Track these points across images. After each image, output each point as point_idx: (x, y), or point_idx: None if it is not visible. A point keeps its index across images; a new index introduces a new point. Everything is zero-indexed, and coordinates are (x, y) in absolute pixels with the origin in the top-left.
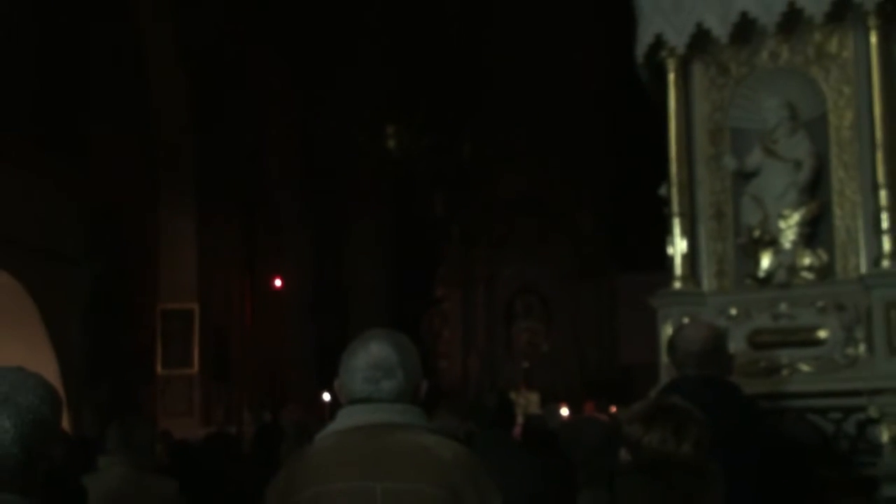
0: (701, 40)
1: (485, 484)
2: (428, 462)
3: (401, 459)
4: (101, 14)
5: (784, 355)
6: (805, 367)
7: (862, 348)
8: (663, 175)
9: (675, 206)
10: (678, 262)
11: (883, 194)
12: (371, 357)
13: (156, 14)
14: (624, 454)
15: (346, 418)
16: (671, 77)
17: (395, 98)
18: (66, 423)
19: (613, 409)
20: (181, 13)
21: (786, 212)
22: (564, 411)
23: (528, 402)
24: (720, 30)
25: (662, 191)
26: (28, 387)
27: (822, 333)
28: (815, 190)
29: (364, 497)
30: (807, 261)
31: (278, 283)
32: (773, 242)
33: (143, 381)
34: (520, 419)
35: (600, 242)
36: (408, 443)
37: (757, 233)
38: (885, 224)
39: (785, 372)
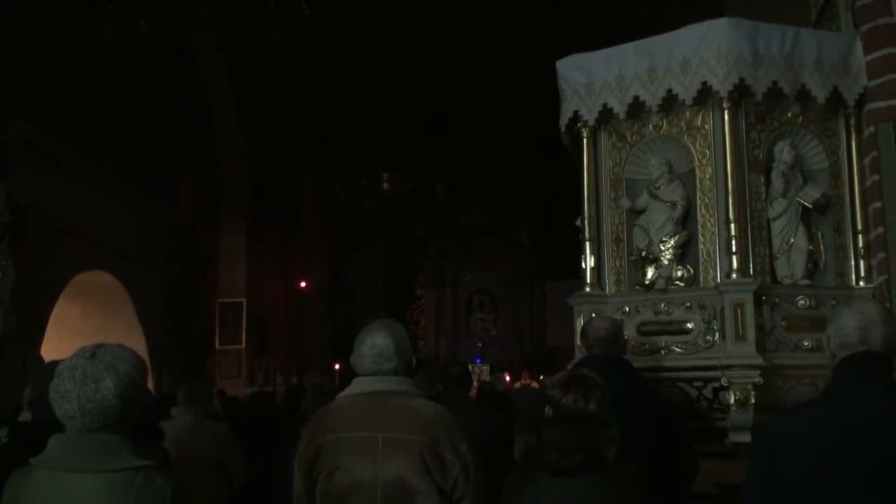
0: (606, 116)
1: (456, 434)
2: (415, 418)
3: (396, 416)
4: (185, 96)
5: (662, 340)
6: (677, 349)
7: (717, 336)
8: (579, 210)
9: (587, 233)
10: (588, 273)
11: (732, 227)
12: (376, 348)
13: (224, 94)
14: (548, 410)
15: (359, 386)
16: (584, 142)
17: (388, 154)
18: (150, 384)
19: (542, 377)
20: (242, 95)
21: (664, 238)
22: (507, 378)
23: (481, 371)
24: (619, 109)
25: (578, 222)
26: (125, 358)
27: (689, 325)
28: (685, 223)
29: (370, 442)
30: (679, 273)
31: (304, 284)
32: (655, 260)
33: (206, 354)
34: (475, 384)
35: (534, 258)
36: (402, 404)
37: (644, 253)
38: (733, 248)
39: (663, 352)
